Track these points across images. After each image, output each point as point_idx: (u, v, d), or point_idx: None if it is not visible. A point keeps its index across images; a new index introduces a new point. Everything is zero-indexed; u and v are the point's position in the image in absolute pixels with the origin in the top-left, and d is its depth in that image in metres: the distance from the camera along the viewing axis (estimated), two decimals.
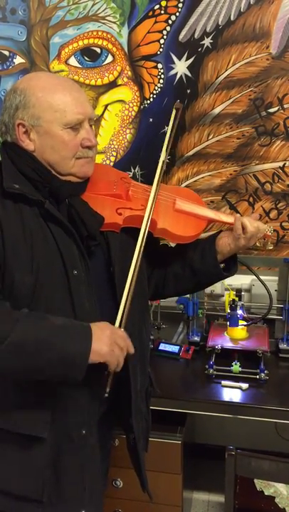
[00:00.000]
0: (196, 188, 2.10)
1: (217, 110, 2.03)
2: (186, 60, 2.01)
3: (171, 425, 1.81)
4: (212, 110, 2.04)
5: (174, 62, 2.02)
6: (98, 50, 2.09)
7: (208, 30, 1.97)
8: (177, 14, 1.98)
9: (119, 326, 1.23)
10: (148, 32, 2.02)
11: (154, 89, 2.07)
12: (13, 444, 1.20)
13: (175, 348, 2.00)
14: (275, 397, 1.71)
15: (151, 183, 1.38)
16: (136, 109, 2.11)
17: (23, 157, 1.20)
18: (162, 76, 2.05)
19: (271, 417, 1.68)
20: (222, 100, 2.02)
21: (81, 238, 1.21)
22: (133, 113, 2.11)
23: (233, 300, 1.93)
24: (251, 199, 2.10)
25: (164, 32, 2.00)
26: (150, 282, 1.46)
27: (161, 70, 2.04)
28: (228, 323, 1.97)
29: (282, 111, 1.99)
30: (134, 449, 1.39)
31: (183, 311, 2.07)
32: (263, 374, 1.80)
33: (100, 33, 2.07)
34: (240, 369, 1.82)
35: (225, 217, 1.44)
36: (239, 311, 1.96)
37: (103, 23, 2.06)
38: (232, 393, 1.73)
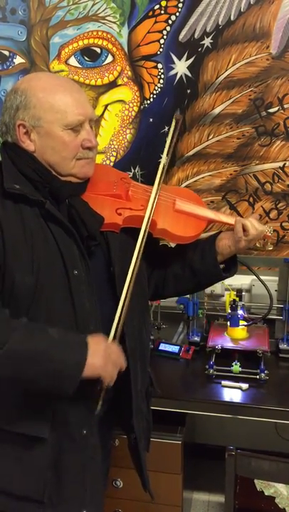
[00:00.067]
0: (196, 188, 2.10)
1: (217, 110, 2.03)
2: (186, 60, 2.01)
3: (172, 425, 1.81)
4: (212, 110, 2.03)
5: (174, 62, 2.02)
6: (98, 50, 2.09)
7: (208, 30, 1.97)
8: (177, 14, 1.98)
9: (116, 327, 1.24)
10: (148, 32, 2.02)
11: (154, 89, 2.07)
12: (15, 444, 1.20)
13: (175, 348, 2.00)
14: (275, 398, 1.71)
15: (151, 184, 1.38)
16: (136, 109, 2.11)
17: (24, 157, 1.21)
18: (162, 76, 2.05)
19: (271, 417, 1.68)
20: (222, 100, 2.02)
21: (81, 238, 1.21)
22: (133, 113, 2.11)
23: (234, 300, 1.93)
24: (251, 199, 2.10)
25: (164, 32, 2.00)
26: (150, 282, 1.46)
27: (161, 70, 2.04)
28: (228, 323, 1.97)
29: (282, 111, 1.99)
30: (135, 449, 1.39)
31: (183, 311, 2.07)
32: (263, 374, 1.80)
33: (100, 33, 2.06)
34: (240, 369, 1.82)
35: (225, 217, 1.44)
36: (240, 311, 1.96)
37: (103, 23, 2.06)
38: (232, 393, 1.73)
